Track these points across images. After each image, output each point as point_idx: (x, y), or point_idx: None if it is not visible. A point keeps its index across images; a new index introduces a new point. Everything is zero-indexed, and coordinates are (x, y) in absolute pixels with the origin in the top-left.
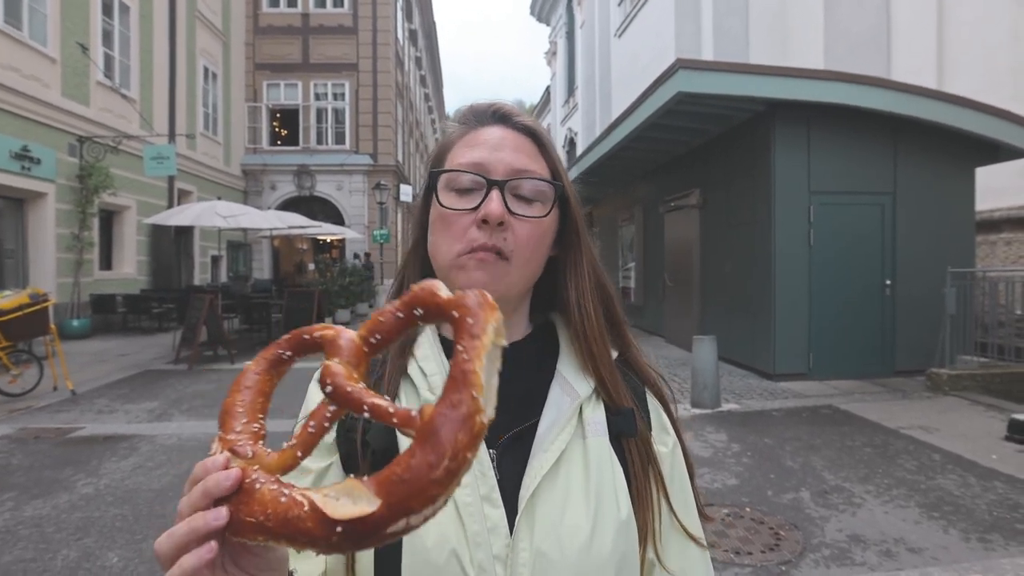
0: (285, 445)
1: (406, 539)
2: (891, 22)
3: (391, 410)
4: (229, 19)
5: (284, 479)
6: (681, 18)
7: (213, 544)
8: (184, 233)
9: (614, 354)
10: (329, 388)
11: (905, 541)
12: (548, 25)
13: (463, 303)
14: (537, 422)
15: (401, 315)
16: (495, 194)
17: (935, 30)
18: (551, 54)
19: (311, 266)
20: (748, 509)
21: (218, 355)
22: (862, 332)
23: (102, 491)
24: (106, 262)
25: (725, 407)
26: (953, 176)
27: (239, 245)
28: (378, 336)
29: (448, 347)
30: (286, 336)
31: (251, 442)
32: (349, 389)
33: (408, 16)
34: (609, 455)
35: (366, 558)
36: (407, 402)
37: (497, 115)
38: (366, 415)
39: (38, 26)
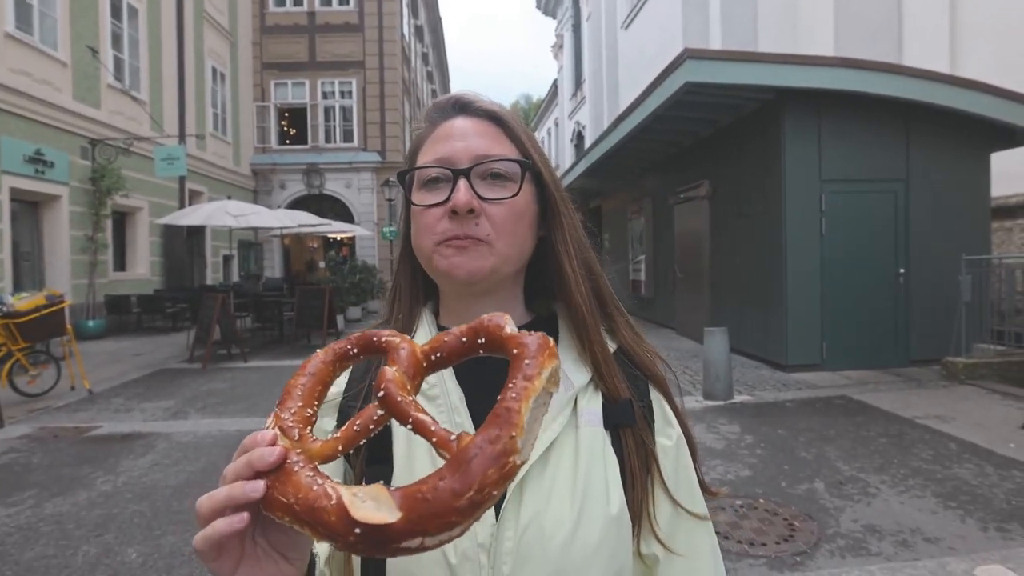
0: (330, 437)
1: None
2: (902, 7)
3: (432, 428)
4: (236, 19)
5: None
6: (688, 8)
7: (245, 515)
8: (196, 233)
9: (612, 346)
10: (382, 393)
11: (922, 531)
12: (554, 18)
13: (524, 342)
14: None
15: (465, 340)
16: (462, 183)
17: (947, 14)
18: (558, 47)
19: (322, 264)
20: (762, 500)
21: (231, 354)
22: (876, 321)
23: (120, 488)
24: (120, 263)
25: (738, 399)
26: (967, 162)
27: (250, 244)
28: (440, 354)
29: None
30: (357, 334)
31: (300, 425)
32: (399, 399)
33: (414, 12)
34: (602, 446)
35: None
36: None
37: (458, 106)
38: (409, 427)
39: (48, 31)
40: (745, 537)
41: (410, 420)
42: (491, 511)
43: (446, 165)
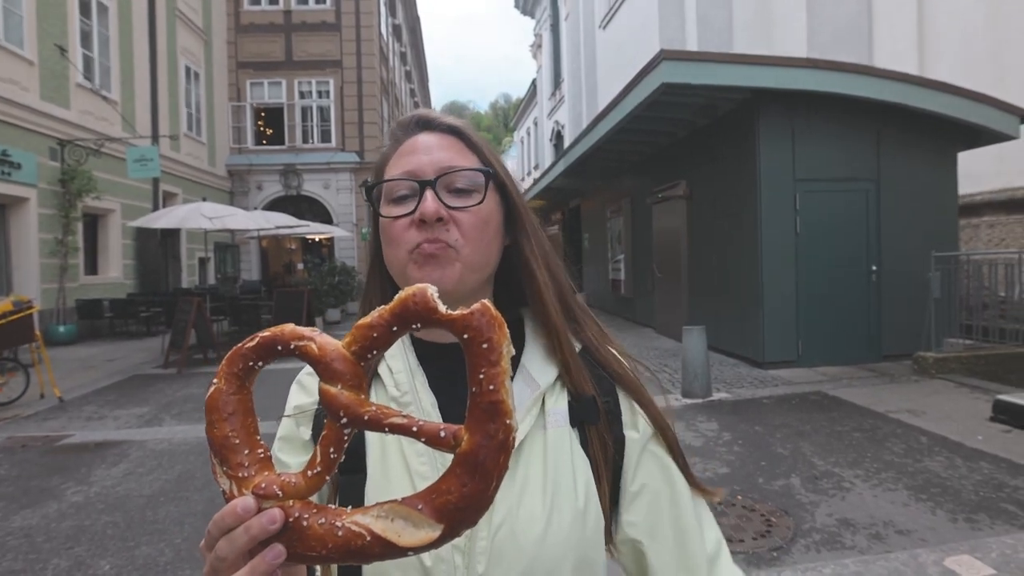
0: (309, 472)
1: None
2: (872, 9)
3: (414, 429)
4: (210, 17)
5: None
6: (665, 9)
7: (277, 574)
8: (170, 236)
9: (577, 346)
10: (344, 420)
11: (894, 524)
12: (533, 18)
13: (471, 324)
14: None
15: (396, 329)
16: (428, 193)
17: (915, 16)
18: (536, 47)
19: (300, 266)
20: (740, 497)
21: (207, 358)
22: (849, 318)
23: (92, 499)
24: (91, 267)
25: (716, 396)
26: (936, 161)
27: (226, 246)
28: (374, 352)
29: (420, 347)
30: (250, 344)
31: (266, 472)
32: (366, 417)
33: (392, 11)
34: (569, 444)
35: None
36: (375, 398)
37: (421, 123)
38: (387, 432)
39: (14, 28)
40: (724, 534)
41: (387, 428)
42: None
43: (412, 177)
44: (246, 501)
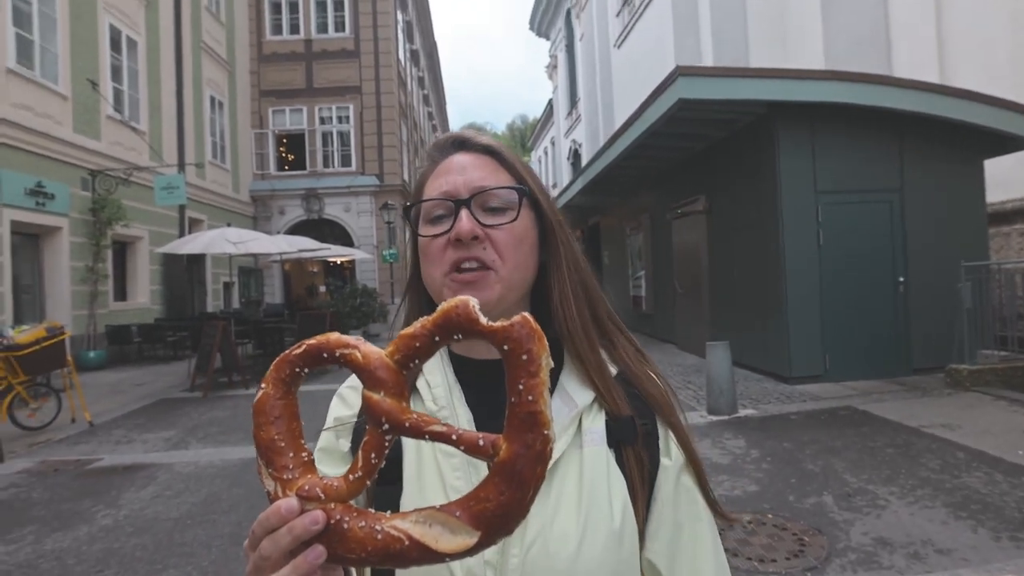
0: (351, 477)
1: None
2: (889, 19)
3: (454, 437)
4: (234, 49)
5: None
6: (680, 26)
7: (318, 573)
8: (196, 261)
9: (613, 370)
10: (386, 426)
11: (933, 542)
12: (548, 39)
13: (512, 335)
14: None
15: (438, 339)
16: (463, 213)
17: (934, 25)
18: (552, 68)
19: (322, 288)
20: (770, 516)
21: (233, 381)
22: (878, 331)
23: (121, 522)
24: (120, 293)
25: (742, 412)
26: (961, 169)
27: (250, 271)
28: (416, 361)
29: (458, 363)
30: (297, 351)
31: (309, 475)
32: (408, 424)
33: (409, 37)
34: (606, 464)
35: None
36: None
37: (457, 143)
38: (427, 439)
39: (49, 65)
40: (755, 554)
41: (427, 436)
42: None
43: (447, 197)
44: (290, 502)
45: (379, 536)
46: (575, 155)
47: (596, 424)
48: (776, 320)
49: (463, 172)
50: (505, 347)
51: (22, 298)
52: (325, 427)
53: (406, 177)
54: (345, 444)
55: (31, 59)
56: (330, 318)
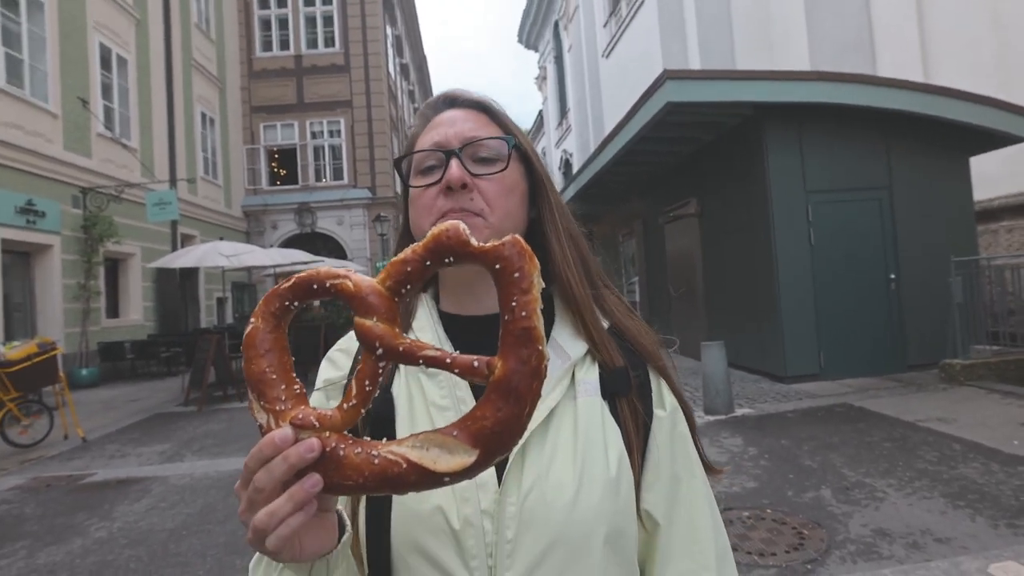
0: (345, 406)
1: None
2: (873, 22)
3: (448, 360)
4: (224, 66)
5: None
6: (667, 34)
7: (314, 504)
8: (189, 277)
9: (605, 323)
10: (380, 351)
11: (932, 532)
12: (536, 51)
13: (503, 255)
14: None
15: (429, 263)
16: (453, 162)
17: (916, 25)
18: (541, 79)
19: (316, 302)
20: (769, 511)
21: (227, 395)
22: (871, 328)
23: (116, 534)
24: (113, 310)
25: (739, 412)
26: (948, 167)
27: (243, 286)
28: (408, 287)
29: (448, 321)
30: (287, 284)
31: (302, 405)
32: (401, 348)
33: (399, 51)
34: (600, 414)
35: (361, 505)
36: (404, 371)
37: (448, 100)
38: (422, 364)
39: (39, 84)
40: (755, 548)
41: (421, 359)
42: (494, 480)
43: (438, 148)
44: (284, 432)
45: (376, 461)
46: (566, 165)
47: (589, 376)
48: (770, 320)
49: (453, 125)
50: (497, 266)
51: (13, 316)
52: (316, 388)
53: (399, 190)
54: (336, 403)
55: (21, 78)
56: (324, 331)
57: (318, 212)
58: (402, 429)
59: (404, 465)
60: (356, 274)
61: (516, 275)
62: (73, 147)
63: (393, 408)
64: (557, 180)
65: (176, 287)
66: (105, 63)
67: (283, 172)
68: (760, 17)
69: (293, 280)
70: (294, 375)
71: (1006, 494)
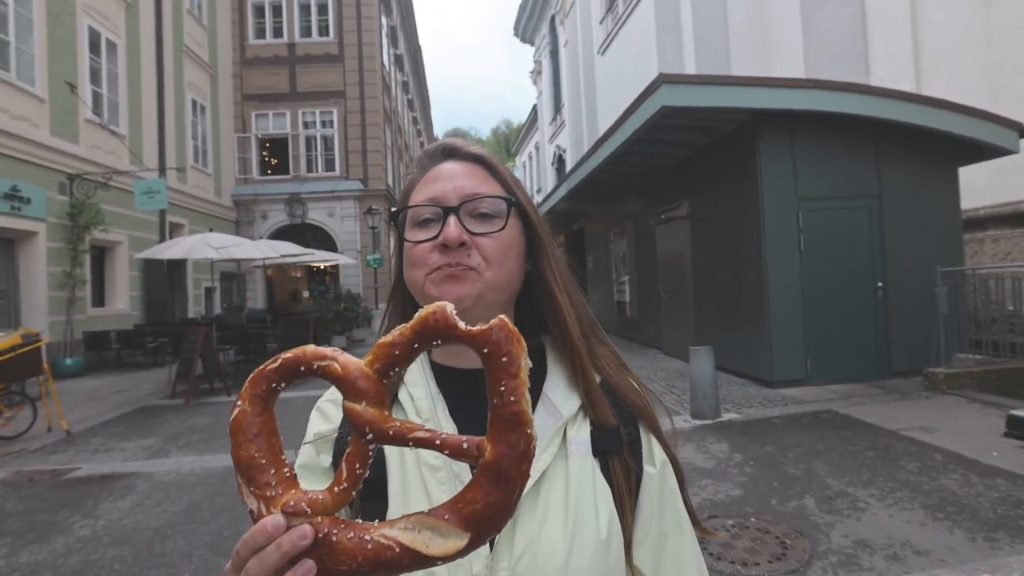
0: (336, 489)
1: None
2: (867, 30)
3: (437, 442)
4: (216, 52)
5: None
6: (662, 34)
7: None
8: (177, 267)
9: (597, 378)
10: (370, 436)
11: (911, 544)
12: (532, 45)
13: (490, 338)
14: None
15: (416, 346)
16: (451, 219)
17: (910, 36)
18: (536, 73)
19: (305, 294)
20: (753, 519)
21: (214, 388)
22: (857, 335)
23: (99, 532)
24: (99, 299)
25: (725, 417)
26: (936, 176)
27: (232, 276)
28: (396, 369)
29: (440, 372)
30: (273, 365)
31: (293, 490)
32: (391, 432)
33: (393, 42)
34: (592, 474)
35: None
36: None
37: (447, 151)
38: (411, 446)
39: (25, 67)
40: (738, 557)
41: (411, 441)
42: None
43: (436, 203)
44: (276, 519)
45: (369, 546)
46: (559, 160)
47: (581, 434)
48: (758, 325)
49: (453, 179)
50: (485, 350)
51: None
52: (305, 441)
53: (390, 182)
54: (326, 459)
55: (7, 61)
56: (314, 324)
57: (309, 203)
58: (394, 489)
59: (397, 549)
60: (343, 355)
61: (504, 359)
62: (60, 132)
63: (385, 469)
64: (550, 176)
65: (164, 276)
66: (94, 47)
67: (274, 162)
68: (756, 19)
69: (280, 361)
70: (283, 457)
71: (984, 506)
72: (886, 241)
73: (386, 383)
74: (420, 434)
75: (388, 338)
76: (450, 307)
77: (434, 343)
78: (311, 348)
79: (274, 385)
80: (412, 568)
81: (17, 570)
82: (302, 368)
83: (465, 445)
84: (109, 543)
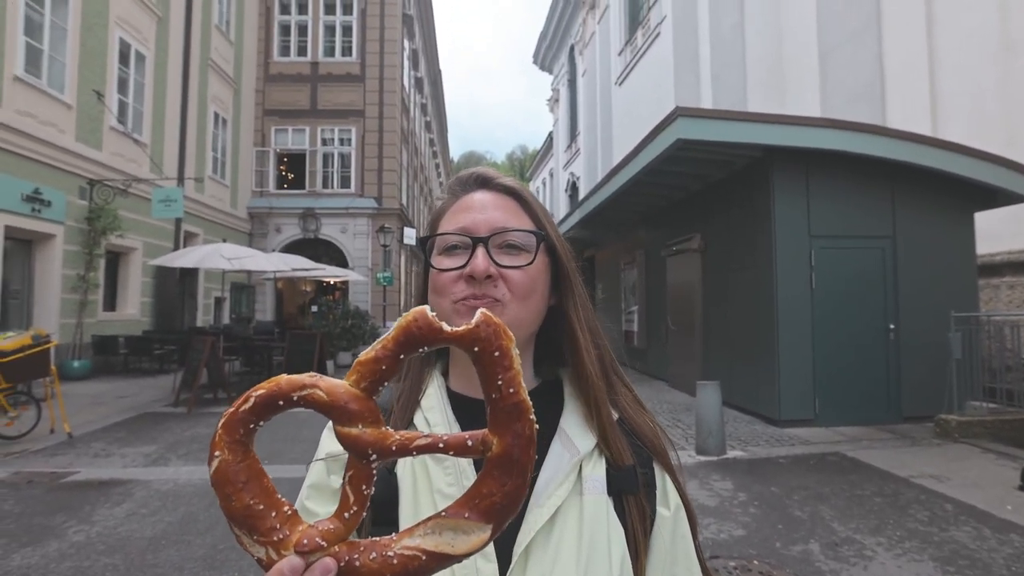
0: (346, 515)
1: None
2: (884, 73)
3: (441, 444)
4: (241, 67)
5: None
6: (680, 68)
7: None
8: (188, 275)
9: (614, 415)
10: (375, 457)
11: None
12: (551, 73)
13: (480, 336)
14: (535, 477)
15: (402, 356)
16: (480, 251)
17: (927, 79)
18: (554, 101)
19: (313, 308)
20: (756, 562)
21: (218, 398)
22: (868, 377)
23: (94, 539)
24: (110, 303)
25: (731, 454)
26: (952, 220)
27: (242, 287)
28: (385, 384)
29: (456, 401)
30: (246, 406)
31: (300, 527)
32: (395, 447)
33: (415, 65)
34: (606, 512)
35: None
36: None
37: (479, 180)
38: (416, 455)
39: (56, 74)
40: None
41: (414, 451)
42: None
43: (466, 233)
44: (292, 562)
45: (395, 560)
46: (573, 187)
47: (597, 471)
48: (767, 362)
49: (484, 211)
50: (475, 348)
51: (9, 303)
52: (316, 458)
53: (404, 201)
54: (336, 480)
55: (39, 68)
56: (320, 339)
57: (323, 218)
58: (405, 512)
59: (423, 557)
60: (323, 379)
61: (496, 354)
62: (84, 139)
63: (397, 492)
64: (563, 202)
65: (175, 284)
66: (123, 58)
67: (291, 176)
68: (773, 58)
69: (252, 400)
70: (279, 496)
71: (998, 562)
72: (899, 283)
73: (375, 399)
74: (422, 441)
75: (371, 353)
76: (429, 310)
77: (420, 349)
78: (284, 378)
79: (251, 426)
80: (439, 569)
81: (8, 573)
82: (280, 402)
83: (469, 442)
84: (103, 550)
